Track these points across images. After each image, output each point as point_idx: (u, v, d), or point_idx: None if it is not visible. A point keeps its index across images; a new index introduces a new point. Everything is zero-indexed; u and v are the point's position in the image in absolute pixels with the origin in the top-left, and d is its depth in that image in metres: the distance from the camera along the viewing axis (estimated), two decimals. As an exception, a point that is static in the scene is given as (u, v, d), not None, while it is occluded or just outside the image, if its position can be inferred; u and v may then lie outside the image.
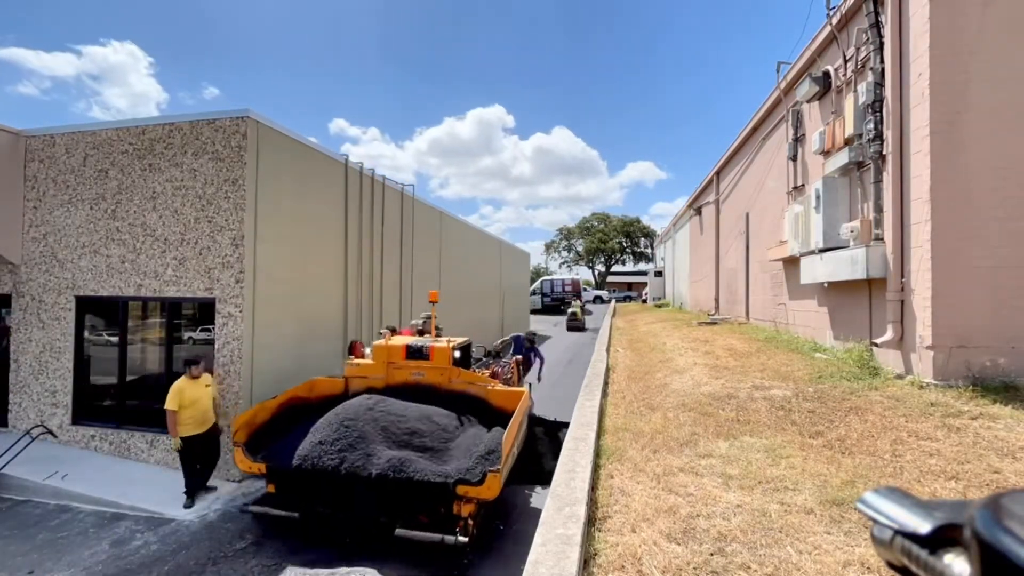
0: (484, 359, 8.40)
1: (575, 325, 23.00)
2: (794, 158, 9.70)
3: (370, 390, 5.94)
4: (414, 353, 6.14)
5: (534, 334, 9.99)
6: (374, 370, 6.18)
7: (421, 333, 7.30)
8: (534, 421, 6.46)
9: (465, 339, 6.81)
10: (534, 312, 31.08)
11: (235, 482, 6.44)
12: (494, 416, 5.65)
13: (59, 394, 7.71)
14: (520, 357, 8.35)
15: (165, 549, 5.04)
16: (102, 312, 7.77)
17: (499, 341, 9.40)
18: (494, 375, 6.69)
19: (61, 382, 7.71)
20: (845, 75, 7.52)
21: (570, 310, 23.99)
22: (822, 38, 8.18)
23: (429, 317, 7.26)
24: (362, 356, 6.60)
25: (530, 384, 8.24)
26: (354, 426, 5.01)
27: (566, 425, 4.85)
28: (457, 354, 6.12)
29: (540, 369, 9.53)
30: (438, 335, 7.07)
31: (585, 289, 40.17)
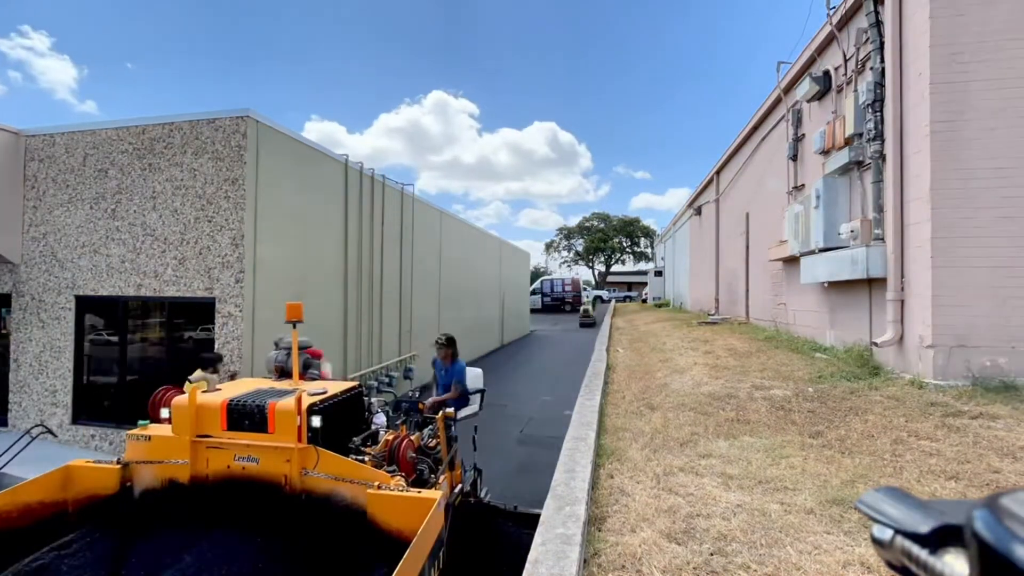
0: (397, 414, 4.52)
1: (587, 322, 26.17)
2: (794, 158, 9.71)
3: (170, 485, 3.32)
4: (241, 419, 3.26)
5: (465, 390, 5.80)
6: (174, 448, 3.33)
7: (282, 374, 4.28)
8: (475, 517, 4.14)
9: (347, 386, 3.86)
10: (534, 311, 31.09)
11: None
12: (382, 544, 2.91)
13: (59, 393, 7.72)
14: (451, 411, 4.18)
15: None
16: (102, 312, 7.77)
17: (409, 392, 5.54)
18: (391, 456, 3.47)
19: (61, 381, 7.72)
20: (845, 75, 7.52)
21: (582, 308, 28.83)
22: (822, 37, 8.18)
23: (291, 347, 4.02)
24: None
25: (465, 468, 4.43)
26: None
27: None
28: (316, 421, 3.23)
29: (480, 403, 5.79)
30: (310, 377, 4.25)
31: (585, 289, 40.17)
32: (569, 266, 59.71)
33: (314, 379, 4.27)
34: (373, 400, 4.26)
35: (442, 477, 3.77)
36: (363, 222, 9.58)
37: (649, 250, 55.37)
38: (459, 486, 4.09)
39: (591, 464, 3.60)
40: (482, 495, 4.59)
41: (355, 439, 3.64)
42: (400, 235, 11.16)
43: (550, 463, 3.78)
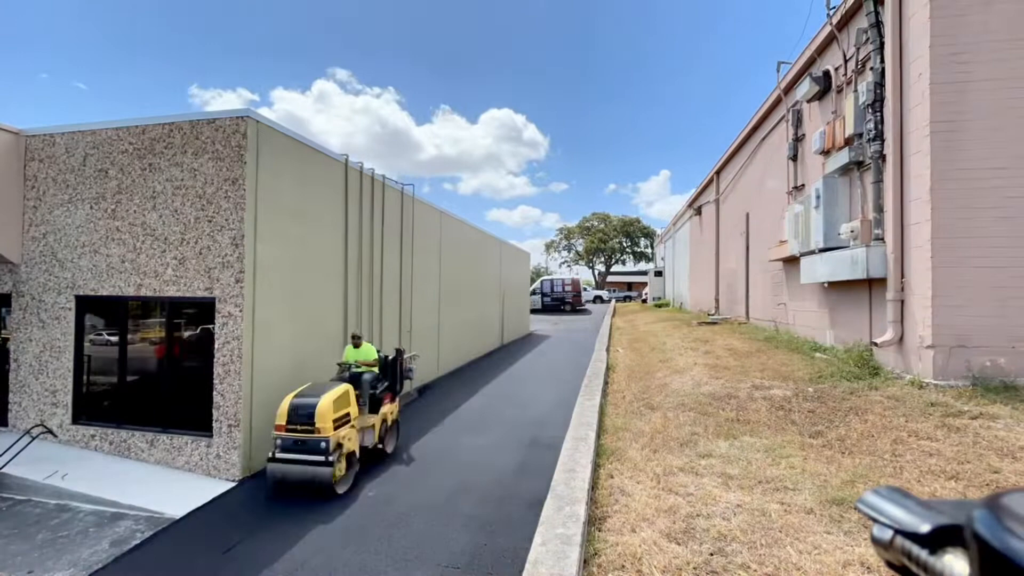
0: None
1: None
2: (794, 158, 9.70)
3: None
4: None
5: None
6: None
7: None
8: None
9: None
10: (534, 311, 31.09)
11: (232, 482, 6.44)
12: None
13: (59, 393, 7.72)
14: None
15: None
16: (102, 312, 7.77)
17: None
18: None
19: (61, 382, 7.71)
20: (845, 75, 7.52)
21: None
22: (822, 38, 8.18)
23: None
24: None
25: None
26: None
27: None
28: None
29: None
30: None
31: (585, 289, 40.17)
32: (569, 266, 59.82)
33: None
34: None
35: None
36: (363, 222, 9.58)
37: (649, 250, 55.44)
38: None
39: (591, 464, 3.60)
40: None
41: None
42: (400, 235, 11.16)
43: (550, 463, 3.78)
